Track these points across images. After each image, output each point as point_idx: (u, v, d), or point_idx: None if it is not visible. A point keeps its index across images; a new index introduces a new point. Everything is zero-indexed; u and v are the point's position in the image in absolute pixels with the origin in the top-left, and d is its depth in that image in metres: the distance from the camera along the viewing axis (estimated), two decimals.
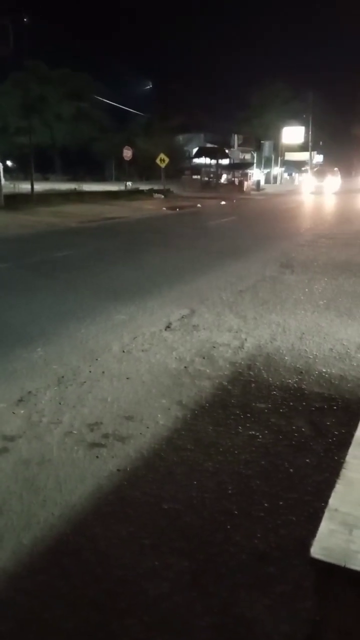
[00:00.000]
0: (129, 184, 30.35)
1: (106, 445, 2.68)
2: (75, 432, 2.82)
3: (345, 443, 2.49)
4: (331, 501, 1.21)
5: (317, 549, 1.06)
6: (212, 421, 2.93)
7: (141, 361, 3.84)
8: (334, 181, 32.57)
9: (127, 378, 3.53)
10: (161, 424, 2.90)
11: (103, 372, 3.63)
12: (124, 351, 4.06)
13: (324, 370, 3.67)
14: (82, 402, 3.17)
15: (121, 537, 2.03)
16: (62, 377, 3.56)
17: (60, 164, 51.95)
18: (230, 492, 2.30)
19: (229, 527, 2.08)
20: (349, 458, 1.41)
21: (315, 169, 38.54)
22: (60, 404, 3.16)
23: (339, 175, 35.66)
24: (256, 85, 53.61)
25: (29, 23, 20.14)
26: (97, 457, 2.58)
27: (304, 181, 36.15)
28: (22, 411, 3.07)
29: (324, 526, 1.13)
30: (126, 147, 29.46)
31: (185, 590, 1.78)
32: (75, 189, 27.00)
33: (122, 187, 29.19)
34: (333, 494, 1.23)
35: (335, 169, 36.81)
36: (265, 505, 2.21)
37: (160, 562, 1.90)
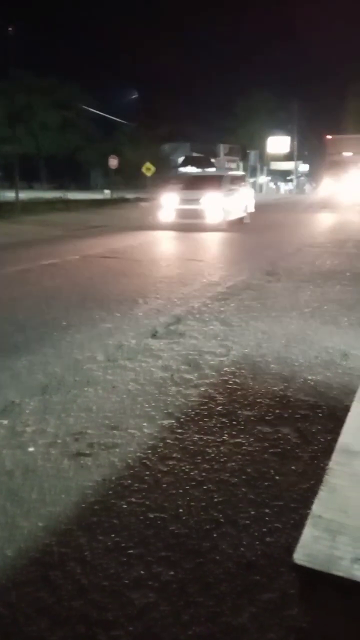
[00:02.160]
0: (108, 192, 30.40)
1: (91, 455, 2.67)
2: (59, 441, 2.80)
3: (330, 450, 2.50)
4: (314, 508, 1.21)
5: (301, 555, 1.07)
6: (199, 429, 2.93)
7: (127, 370, 3.83)
8: (223, 202, 14.67)
9: (113, 387, 3.51)
10: (147, 432, 2.89)
11: (88, 381, 3.61)
12: (109, 360, 4.05)
13: (309, 377, 3.69)
14: (67, 412, 3.15)
15: (107, 547, 2.02)
16: (47, 386, 3.53)
17: (46, 172, 51.92)
18: (216, 500, 2.30)
19: (215, 535, 2.07)
20: (332, 465, 1.42)
21: (178, 178, 18.70)
22: (44, 413, 3.13)
23: (245, 186, 17.95)
24: (242, 95, 54.22)
25: (16, 33, 20.20)
26: (82, 466, 2.56)
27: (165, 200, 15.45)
28: (5, 421, 3.04)
29: (308, 532, 1.13)
30: (112, 156, 29.60)
31: (172, 600, 1.77)
32: (60, 197, 27.01)
33: (107, 196, 29.25)
34: (316, 501, 1.24)
35: (231, 171, 19.67)
36: (252, 513, 2.20)
37: (147, 572, 1.89)
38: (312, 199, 31.72)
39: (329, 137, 29.00)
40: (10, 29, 19.86)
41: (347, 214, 20.22)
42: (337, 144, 27.89)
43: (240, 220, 16.20)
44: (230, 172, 18.58)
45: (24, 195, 23.56)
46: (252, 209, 17.51)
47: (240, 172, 20.70)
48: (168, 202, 15.25)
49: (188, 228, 14.03)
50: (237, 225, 15.42)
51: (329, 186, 27.28)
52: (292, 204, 32.01)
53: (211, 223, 14.23)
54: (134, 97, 52.21)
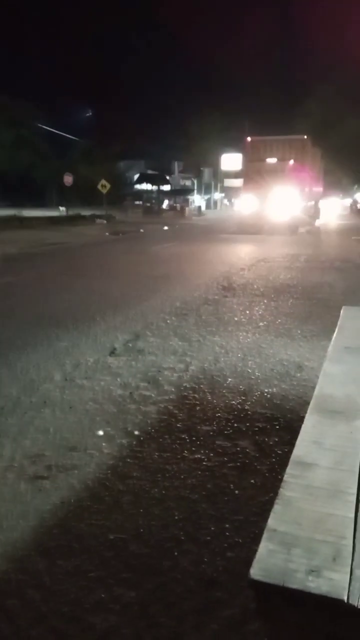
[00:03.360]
0: (63, 209, 30.21)
1: (49, 478, 2.62)
2: (16, 465, 2.74)
3: (288, 462, 2.54)
4: (270, 521, 1.24)
5: (257, 570, 1.08)
6: (158, 447, 2.93)
7: (85, 389, 3.80)
8: None
9: (70, 407, 3.47)
10: (106, 452, 2.87)
11: (45, 402, 3.55)
12: (66, 379, 4.00)
13: (266, 390, 3.75)
14: (24, 434, 3.08)
15: (67, 571, 1.98)
16: (2, 408, 3.45)
17: None
18: (177, 517, 2.29)
19: (176, 553, 2.07)
20: (286, 477, 1.45)
21: None
22: (0, 436, 3.06)
23: None
24: (195, 113, 55.11)
25: None
26: (40, 490, 2.51)
27: None
28: None
29: (263, 546, 1.15)
30: (67, 173, 29.50)
31: (134, 622, 1.75)
32: (15, 214, 26.62)
33: (63, 213, 29.07)
34: (272, 514, 1.26)
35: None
36: (212, 529, 2.21)
37: (108, 595, 1.86)
38: (232, 220, 24.29)
39: (249, 139, 21.66)
40: None
41: (269, 248, 14.26)
42: (260, 148, 21.09)
43: None
44: None
45: None
46: None
47: None
48: None
49: None
50: None
51: (250, 203, 20.65)
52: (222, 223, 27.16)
53: None
54: (88, 114, 52.37)
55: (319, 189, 25.34)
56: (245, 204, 21.22)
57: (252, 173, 20.86)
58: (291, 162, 20.21)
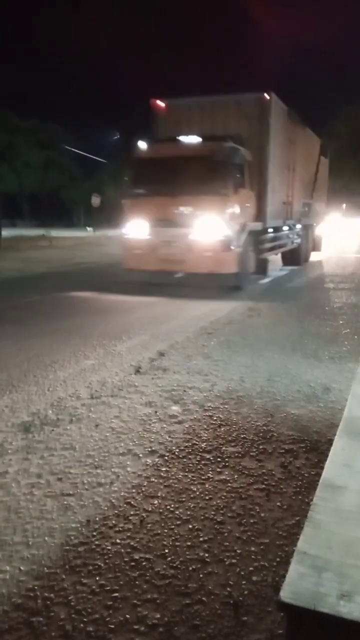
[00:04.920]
0: (90, 229, 30.68)
1: (75, 495, 2.63)
2: (42, 482, 2.76)
3: (315, 484, 2.50)
4: (300, 544, 1.22)
5: (287, 593, 1.07)
6: (183, 467, 2.92)
7: (110, 407, 3.82)
8: None
9: (96, 425, 3.49)
10: (131, 471, 2.87)
11: (71, 420, 3.58)
12: (92, 397, 4.03)
13: (292, 411, 3.71)
14: (50, 451, 3.11)
15: (92, 590, 1.98)
16: (29, 425, 3.49)
17: (29, 210, 52.40)
18: (202, 539, 2.28)
19: (201, 575, 2.05)
20: (316, 500, 1.43)
21: None
22: (27, 453, 3.09)
23: None
24: None
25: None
26: (66, 507, 2.53)
27: None
28: None
29: (293, 569, 1.14)
30: (95, 194, 30.05)
31: None
32: (43, 234, 27.16)
33: (90, 233, 29.56)
34: (301, 537, 1.25)
35: None
36: (238, 551, 2.19)
37: (132, 615, 1.85)
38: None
39: (161, 103, 11.10)
40: None
41: None
42: (182, 119, 10.74)
43: None
44: None
45: (7, 232, 23.75)
46: None
47: None
48: None
49: None
50: None
51: (142, 228, 9.81)
52: None
53: None
54: (116, 137, 53.40)
55: (316, 202, 15.24)
56: (135, 230, 10.03)
57: (153, 168, 9.71)
58: (231, 145, 9.42)
